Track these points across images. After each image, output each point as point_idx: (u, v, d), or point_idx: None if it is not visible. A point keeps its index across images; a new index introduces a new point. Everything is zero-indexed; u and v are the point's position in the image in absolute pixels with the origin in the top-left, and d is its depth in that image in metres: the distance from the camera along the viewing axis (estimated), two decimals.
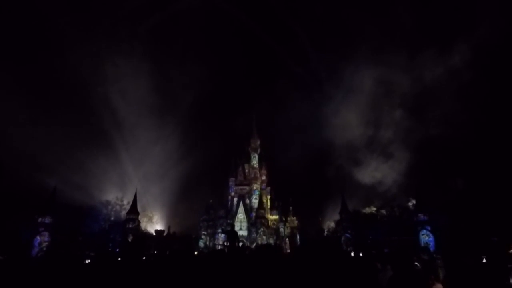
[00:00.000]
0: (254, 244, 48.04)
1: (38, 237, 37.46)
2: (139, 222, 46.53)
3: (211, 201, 57.70)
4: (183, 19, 64.73)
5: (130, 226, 44.62)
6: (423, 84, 56.61)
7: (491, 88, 49.41)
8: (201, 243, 51.95)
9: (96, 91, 59.08)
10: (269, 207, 58.71)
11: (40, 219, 38.24)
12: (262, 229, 52.57)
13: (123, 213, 46.89)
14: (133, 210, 46.54)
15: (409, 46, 60.93)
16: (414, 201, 43.10)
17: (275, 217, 56.68)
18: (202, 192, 59.59)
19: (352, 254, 27.04)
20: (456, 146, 47.14)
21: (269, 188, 62.43)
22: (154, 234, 49.44)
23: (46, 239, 37.63)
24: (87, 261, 25.09)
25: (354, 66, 59.43)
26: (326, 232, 49.32)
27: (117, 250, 37.60)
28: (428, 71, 56.94)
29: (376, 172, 56.50)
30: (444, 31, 58.89)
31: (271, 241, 52.19)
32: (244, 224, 54.21)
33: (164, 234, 50.49)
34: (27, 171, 45.48)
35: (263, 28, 61.03)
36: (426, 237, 38.73)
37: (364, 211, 49.50)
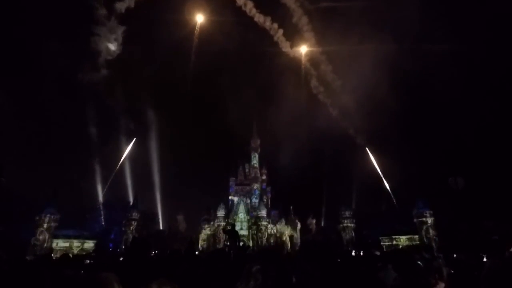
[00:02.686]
0: (255, 244, 48.06)
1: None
2: (140, 222, 46.59)
3: (209, 200, 57.87)
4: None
5: (131, 226, 44.66)
6: (428, 76, 54.97)
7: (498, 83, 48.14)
8: (201, 243, 51.99)
9: (81, 81, 54.56)
10: (269, 206, 58.71)
11: (40, 218, 38.34)
12: (262, 229, 52.58)
13: (124, 213, 46.95)
14: (134, 210, 46.57)
15: (415, 25, 55.74)
16: (416, 199, 42.97)
17: (276, 216, 56.68)
18: (202, 192, 59.58)
19: (353, 253, 26.99)
20: (458, 144, 46.95)
21: (270, 187, 62.45)
22: (155, 234, 49.54)
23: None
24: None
25: (353, 48, 56.32)
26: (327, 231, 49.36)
27: (118, 250, 37.62)
28: (432, 59, 54.71)
29: (377, 169, 56.37)
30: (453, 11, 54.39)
31: (272, 240, 52.22)
32: (245, 224, 54.17)
33: (165, 234, 50.57)
34: (27, 171, 45.46)
35: (259, 8, 55.10)
36: (427, 236, 38.71)
37: (365, 209, 49.54)
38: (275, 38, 57.97)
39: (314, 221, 57.29)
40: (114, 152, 57.91)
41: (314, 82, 60.80)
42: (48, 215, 38.67)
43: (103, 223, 46.48)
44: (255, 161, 63.69)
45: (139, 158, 61.62)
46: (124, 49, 57.02)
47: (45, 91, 54.95)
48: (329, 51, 59.07)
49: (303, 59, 58.96)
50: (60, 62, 52.38)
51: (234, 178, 61.73)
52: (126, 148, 59.80)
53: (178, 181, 62.56)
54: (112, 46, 54.24)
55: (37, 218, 38.05)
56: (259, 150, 64.91)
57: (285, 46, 58.62)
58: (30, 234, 37.05)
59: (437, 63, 55.72)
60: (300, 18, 56.25)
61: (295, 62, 62.09)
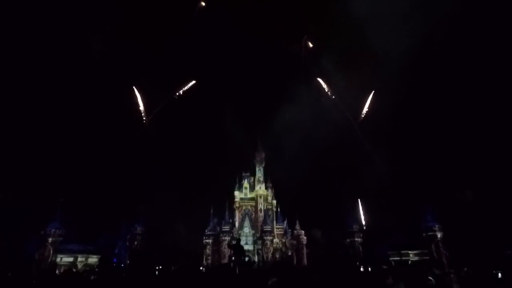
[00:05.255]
0: (260, 259, 47.30)
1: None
2: (144, 236, 46.20)
3: (214, 215, 57.23)
4: None
5: (135, 241, 44.30)
6: (435, 84, 53.00)
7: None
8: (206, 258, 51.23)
9: (78, 82, 51.39)
10: (275, 220, 57.97)
11: (44, 233, 38.30)
12: (268, 243, 51.78)
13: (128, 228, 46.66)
14: (138, 224, 46.30)
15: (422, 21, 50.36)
16: (424, 213, 42.05)
17: (281, 230, 55.87)
18: (207, 206, 58.89)
19: (361, 269, 26.33)
20: (467, 157, 46.15)
21: (275, 201, 61.79)
22: (159, 248, 49.00)
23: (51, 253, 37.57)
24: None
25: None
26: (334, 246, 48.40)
27: (122, 265, 37.26)
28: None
29: (385, 184, 55.34)
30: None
31: (277, 255, 51.27)
32: (250, 238, 53.47)
33: (170, 248, 49.99)
34: (32, 185, 45.51)
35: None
36: (437, 250, 37.76)
37: (374, 224, 48.63)
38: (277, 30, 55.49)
39: (320, 235, 56.20)
40: (117, 166, 57.88)
41: (317, 83, 58.59)
42: (53, 230, 38.66)
43: (107, 238, 46.10)
44: (260, 174, 63.35)
45: (143, 171, 61.52)
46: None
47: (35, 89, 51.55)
48: (334, 48, 56.28)
49: (303, 51, 57.18)
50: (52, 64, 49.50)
51: (239, 192, 61.38)
52: (128, 161, 59.87)
53: (183, 195, 61.92)
54: None
55: (42, 232, 38.03)
56: (263, 163, 64.62)
57: (287, 42, 56.86)
58: (34, 248, 36.92)
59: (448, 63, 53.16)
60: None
61: (296, 63, 60.34)
